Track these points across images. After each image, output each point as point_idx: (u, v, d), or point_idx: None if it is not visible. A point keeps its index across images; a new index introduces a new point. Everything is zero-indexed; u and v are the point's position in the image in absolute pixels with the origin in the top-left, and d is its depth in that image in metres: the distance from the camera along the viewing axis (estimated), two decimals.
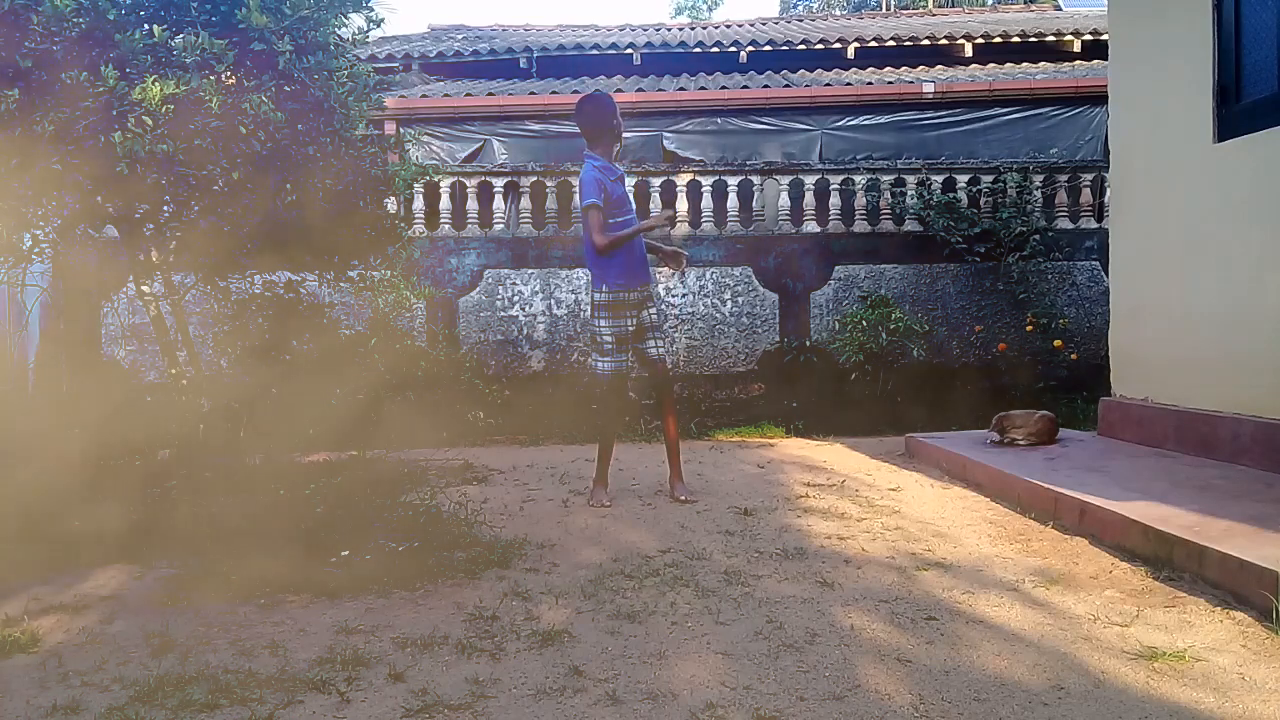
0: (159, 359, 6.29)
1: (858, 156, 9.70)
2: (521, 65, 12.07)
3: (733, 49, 12.14)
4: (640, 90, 10.33)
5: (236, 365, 5.44)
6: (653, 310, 4.92)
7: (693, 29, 15.12)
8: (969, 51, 11.88)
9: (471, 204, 8.67)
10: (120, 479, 4.27)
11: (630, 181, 7.84)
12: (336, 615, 3.17)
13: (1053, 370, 7.95)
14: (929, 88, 9.94)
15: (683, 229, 8.60)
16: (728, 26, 15.19)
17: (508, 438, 7.31)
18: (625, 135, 6.37)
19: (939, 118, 10.00)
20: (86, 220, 4.83)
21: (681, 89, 10.36)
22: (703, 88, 10.39)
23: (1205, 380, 5.06)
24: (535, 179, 8.67)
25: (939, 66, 11.75)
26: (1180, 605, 3.06)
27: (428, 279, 7.86)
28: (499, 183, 8.66)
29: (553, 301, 8.52)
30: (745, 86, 10.30)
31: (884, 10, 21.27)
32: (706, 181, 8.68)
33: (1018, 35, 11.95)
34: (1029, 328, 8.15)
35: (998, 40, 11.93)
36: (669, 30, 14.44)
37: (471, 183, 8.68)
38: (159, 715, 2.41)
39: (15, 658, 2.84)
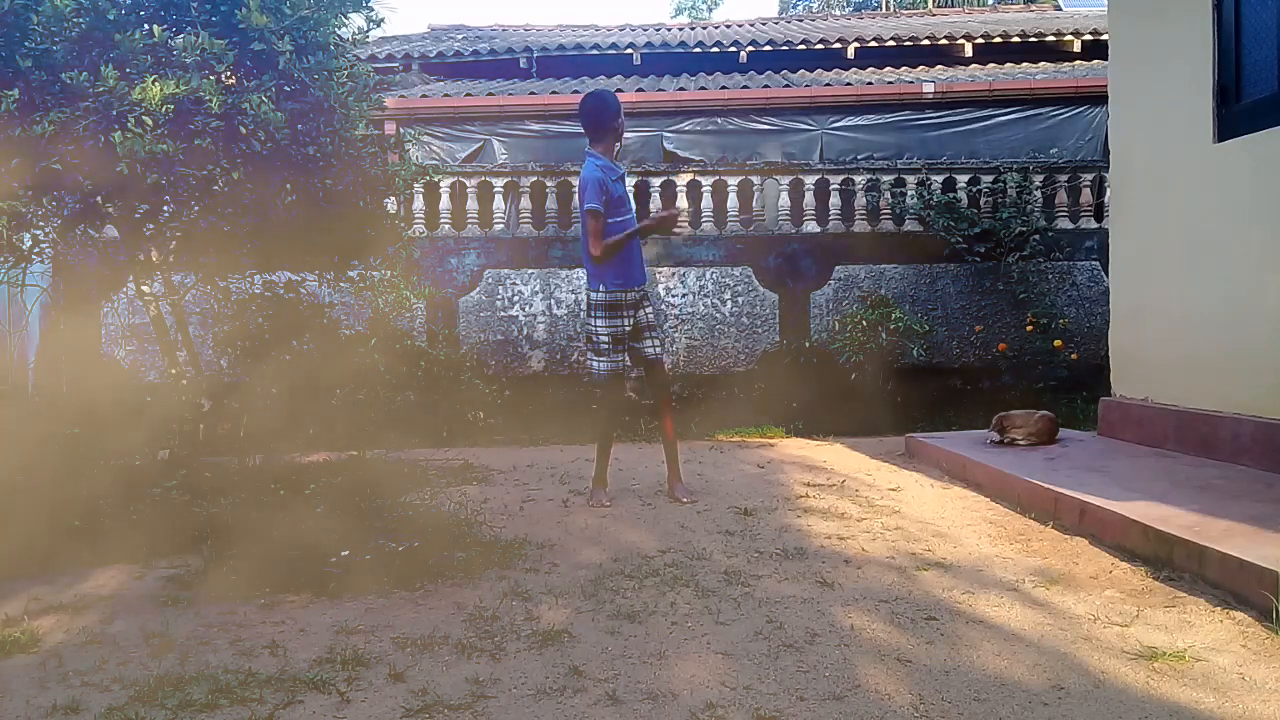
0: (159, 359, 6.29)
1: (858, 156, 9.70)
2: (521, 65, 12.07)
3: (733, 49, 12.13)
4: (640, 90, 10.33)
5: (236, 365, 5.44)
6: (649, 310, 4.92)
7: (693, 29, 15.11)
8: (969, 51, 11.88)
9: (471, 204, 8.68)
10: (120, 479, 4.27)
11: (630, 181, 7.84)
12: (336, 615, 3.17)
13: (1053, 370, 7.95)
14: (929, 88, 9.94)
15: (683, 229, 8.60)
16: (728, 26, 15.18)
17: (508, 438, 7.31)
18: (625, 135, 6.37)
19: (939, 118, 10.00)
20: (86, 220, 4.84)
21: (681, 89, 10.35)
22: (703, 88, 10.39)
23: (1205, 380, 5.06)
24: (535, 179, 8.67)
25: (939, 66, 11.74)
26: (1180, 605, 3.05)
27: (428, 279, 7.86)
28: (499, 183, 8.66)
29: (553, 301, 8.52)
30: (745, 86, 10.29)
31: (884, 10, 21.28)
32: (706, 181, 8.68)
33: (1018, 35, 11.94)
34: (1029, 328, 8.15)
35: (998, 40, 11.92)
36: (669, 30, 14.44)
37: (471, 183, 8.68)
38: (159, 715, 2.41)
39: (15, 658, 2.84)
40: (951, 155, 9.40)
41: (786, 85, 10.37)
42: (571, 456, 6.36)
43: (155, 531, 4.00)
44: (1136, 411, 5.63)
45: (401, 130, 9.02)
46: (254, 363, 5.30)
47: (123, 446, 4.53)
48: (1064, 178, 8.61)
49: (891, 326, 7.67)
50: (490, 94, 10.26)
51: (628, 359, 4.90)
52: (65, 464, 4.14)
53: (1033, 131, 9.87)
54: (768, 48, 12.11)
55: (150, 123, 4.00)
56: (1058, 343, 7.98)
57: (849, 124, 10.03)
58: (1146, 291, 5.66)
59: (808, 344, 8.36)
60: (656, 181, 8.68)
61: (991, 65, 11.71)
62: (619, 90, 10.13)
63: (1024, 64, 11.71)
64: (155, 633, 3.01)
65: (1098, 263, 8.33)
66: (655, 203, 8.56)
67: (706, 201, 8.68)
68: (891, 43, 11.96)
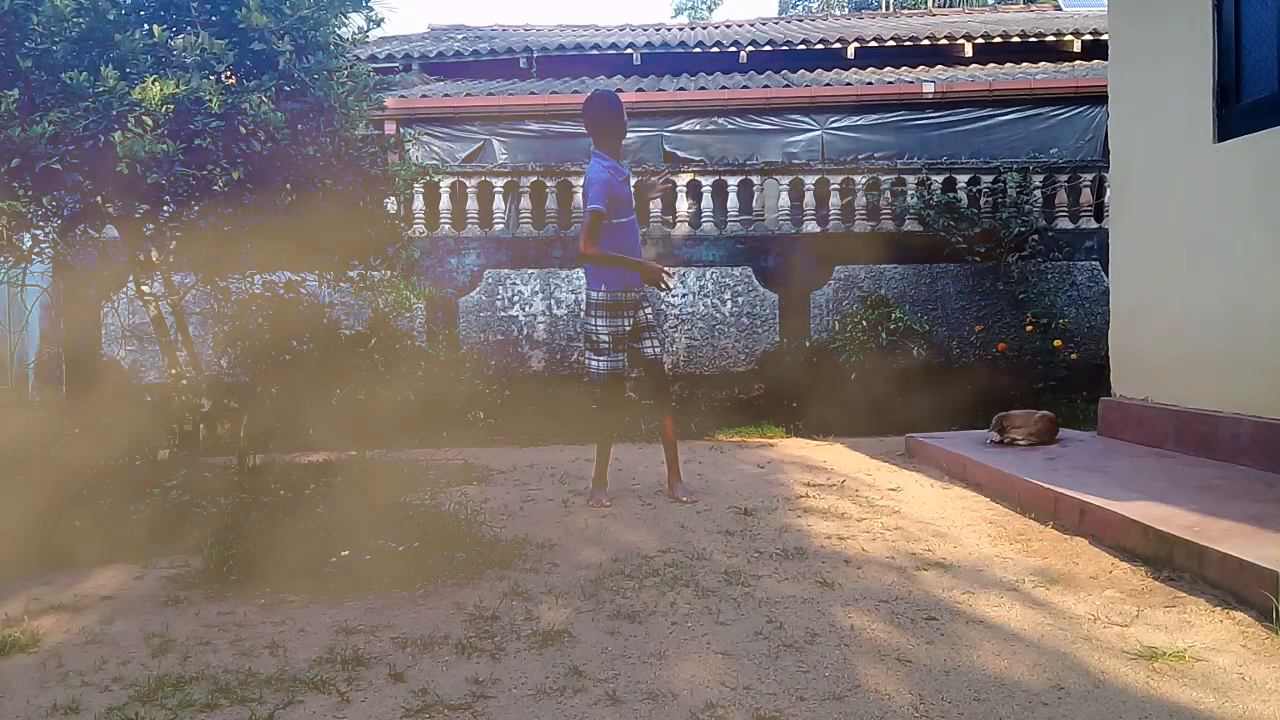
0: (159, 359, 6.30)
1: (858, 156, 9.70)
2: (521, 65, 12.07)
3: (732, 49, 12.14)
4: (640, 90, 10.33)
5: (236, 365, 5.44)
6: (649, 310, 4.92)
7: (693, 29, 15.11)
8: (969, 51, 11.88)
9: (471, 204, 8.67)
10: (120, 479, 4.28)
11: (631, 182, 7.82)
12: (336, 615, 3.17)
13: (1053, 370, 7.95)
14: (929, 88, 9.94)
15: (683, 229, 8.61)
16: (728, 26, 15.19)
17: (508, 438, 7.31)
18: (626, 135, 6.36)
19: (939, 118, 10.00)
20: (86, 220, 4.83)
21: (681, 89, 10.35)
22: (703, 88, 10.39)
23: (1205, 380, 5.06)
24: (535, 179, 8.67)
25: (939, 66, 11.75)
26: (1180, 605, 3.05)
27: (428, 279, 7.85)
28: (499, 183, 8.66)
29: (553, 301, 8.52)
30: (745, 86, 10.29)
31: (884, 10, 21.28)
32: (706, 181, 8.68)
33: (1018, 35, 11.95)
34: (1029, 328, 8.14)
35: (998, 40, 11.93)
36: (669, 30, 14.44)
37: (471, 183, 8.68)
38: (159, 715, 2.42)
39: (15, 658, 2.84)
40: (951, 155, 9.40)
41: (786, 85, 10.37)
42: (571, 456, 6.36)
43: (155, 531, 4.00)
44: (1136, 411, 5.63)
45: (401, 130, 9.01)
46: (254, 363, 5.30)
47: (122, 446, 4.54)
48: (1064, 178, 8.61)
49: (891, 326, 7.67)
50: (490, 94, 10.26)
51: (627, 359, 4.90)
52: (65, 464, 4.14)
53: (1033, 131, 9.87)
54: (768, 48, 12.12)
55: (150, 123, 4.00)
56: (1058, 343, 7.99)
57: (849, 124, 10.03)
58: (1146, 291, 5.66)
59: (808, 344, 8.36)
60: (657, 181, 8.66)
61: (991, 65, 11.71)
62: (619, 90, 10.13)
63: (1024, 64, 11.72)
64: (155, 633, 3.01)
65: (1098, 263, 8.33)
66: (655, 203, 8.55)
67: (706, 201, 8.68)
68: (891, 43, 11.96)
